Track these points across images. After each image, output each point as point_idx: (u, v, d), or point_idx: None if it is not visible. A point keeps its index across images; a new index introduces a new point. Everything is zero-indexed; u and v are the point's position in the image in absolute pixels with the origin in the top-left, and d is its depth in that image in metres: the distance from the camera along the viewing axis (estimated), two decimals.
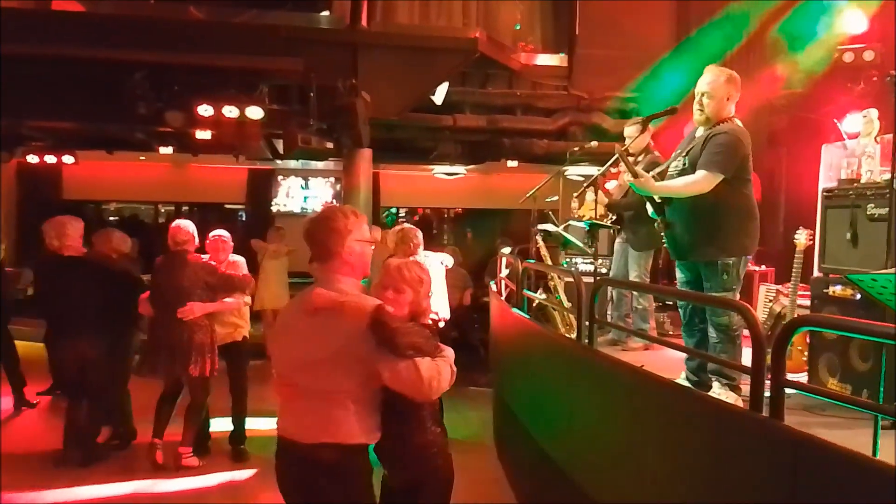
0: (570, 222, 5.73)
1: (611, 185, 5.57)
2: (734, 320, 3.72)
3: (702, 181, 3.68)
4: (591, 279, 4.97)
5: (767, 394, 2.32)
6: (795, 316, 4.24)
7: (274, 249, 9.43)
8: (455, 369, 2.72)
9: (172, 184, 13.52)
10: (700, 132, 3.92)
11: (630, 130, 5.10)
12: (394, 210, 14.77)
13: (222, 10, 7.60)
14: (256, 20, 7.57)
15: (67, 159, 11.29)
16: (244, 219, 14.26)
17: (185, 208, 14.04)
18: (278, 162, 12.33)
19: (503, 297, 6.28)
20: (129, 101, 7.44)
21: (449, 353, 2.73)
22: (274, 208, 13.77)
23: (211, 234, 5.67)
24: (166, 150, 9.84)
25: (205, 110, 7.42)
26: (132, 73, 7.33)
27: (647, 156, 5.12)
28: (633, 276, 5.27)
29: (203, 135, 8.03)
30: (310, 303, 2.63)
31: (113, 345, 5.64)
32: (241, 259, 5.70)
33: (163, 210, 14.58)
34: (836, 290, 3.92)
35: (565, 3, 9.16)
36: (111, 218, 14.29)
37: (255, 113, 7.52)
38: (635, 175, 3.81)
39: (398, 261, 2.96)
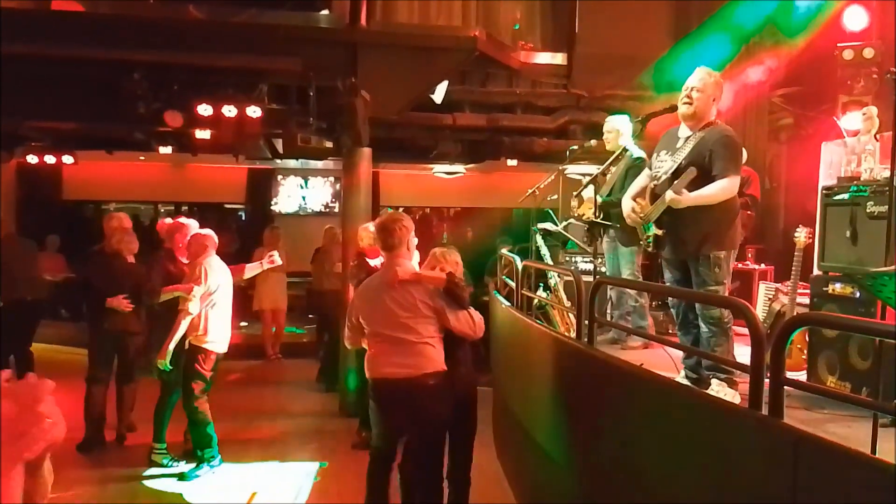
0: (570, 221, 5.72)
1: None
2: (724, 313, 3.77)
3: (730, 186, 3.76)
4: (590, 278, 4.98)
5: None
6: (795, 314, 4.24)
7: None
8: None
9: (172, 184, 13.52)
10: (684, 132, 3.94)
11: (609, 125, 5.34)
12: (389, 210, 14.75)
13: (221, 10, 7.59)
14: (255, 20, 7.56)
15: (67, 159, 11.29)
16: (244, 218, 14.26)
17: (184, 208, 14.02)
18: (278, 161, 12.32)
19: (503, 296, 6.28)
20: (128, 101, 7.45)
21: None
22: (273, 208, 13.77)
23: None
24: (166, 150, 9.84)
25: (204, 110, 7.44)
26: (131, 73, 7.34)
27: (627, 154, 5.13)
28: (626, 275, 5.26)
29: (202, 134, 8.04)
30: (393, 278, 3.85)
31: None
32: (211, 264, 5.42)
33: (162, 210, 14.57)
34: (836, 287, 3.92)
35: (565, 2, 9.15)
36: None
37: (254, 112, 7.53)
38: (676, 192, 3.77)
39: (441, 249, 4.32)
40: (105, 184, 13.24)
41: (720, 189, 3.75)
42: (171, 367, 5.29)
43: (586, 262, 6.25)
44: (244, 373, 8.93)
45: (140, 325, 6.12)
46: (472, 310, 3.95)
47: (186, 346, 5.31)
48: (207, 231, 5.58)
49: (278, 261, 5.75)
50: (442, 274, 3.90)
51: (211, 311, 5.32)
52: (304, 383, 8.49)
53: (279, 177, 13.77)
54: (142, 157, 11.96)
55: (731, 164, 3.75)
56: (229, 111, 7.46)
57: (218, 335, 5.37)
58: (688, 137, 3.91)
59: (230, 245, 9.22)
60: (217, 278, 5.37)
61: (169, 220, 5.89)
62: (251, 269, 5.77)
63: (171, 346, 5.21)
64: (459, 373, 4.09)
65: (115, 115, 7.90)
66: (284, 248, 9.72)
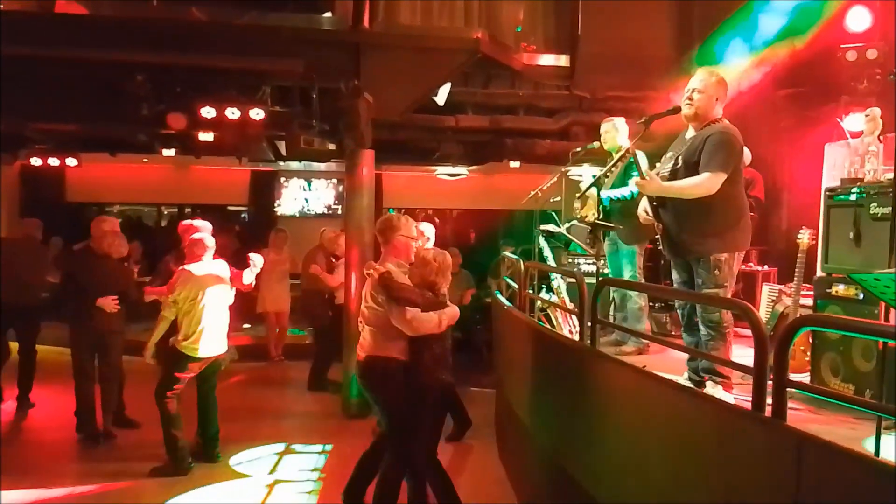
0: (573, 222, 5.72)
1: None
2: (725, 317, 3.76)
3: (707, 182, 3.71)
4: (593, 280, 4.97)
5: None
6: (798, 316, 4.23)
7: (275, 256, 9.42)
8: (448, 321, 4.27)
9: (175, 186, 13.55)
10: (690, 133, 3.94)
11: (605, 125, 5.42)
12: (391, 211, 14.76)
13: (224, 12, 7.60)
14: (258, 21, 7.57)
15: (70, 161, 11.33)
16: (247, 220, 14.28)
17: (188, 210, 14.05)
18: (280, 163, 12.34)
19: (506, 298, 6.28)
20: (131, 103, 7.47)
21: (449, 310, 4.30)
22: (276, 210, 13.79)
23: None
24: (169, 153, 9.86)
25: (207, 112, 7.45)
26: (134, 75, 7.35)
27: (626, 155, 5.13)
28: (627, 276, 5.26)
29: (205, 136, 8.05)
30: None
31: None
32: (193, 270, 5.45)
33: (166, 212, 14.60)
34: (839, 289, 3.91)
35: (567, 3, 9.15)
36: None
37: (257, 114, 7.54)
38: (642, 175, 3.88)
39: (422, 248, 4.66)
40: (108, 186, 13.28)
41: (697, 183, 3.72)
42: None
43: (589, 263, 6.25)
44: (247, 374, 8.94)
45: (122, 325, 6.29)
46: (411, 308, 4.12)
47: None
48: (200, 235, 5.58)
49: (257, 262, 5.71)
50: (384, 270, 4.22)
51: (188, 316, 5.37)
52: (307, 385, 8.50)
53: (282, 179, 13.79)
54: (145, 160, 11.99)
55: (714, 161, 3.70)
56: (232, 113, 7.47)
57: (197, 340, 5.38)
58: (691, 138, 3.92)
59: (231, 247, 9.20)
60: (198, 285, 5.39)
61: (187, 222, 5.95)
62: (247, 276, 5.80)
63: (151, 345, 5.41)
64: (420, 367, 4.23)
65: (118, 118, 7.92)
66: (289, 250, 9.75)
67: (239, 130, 7.58)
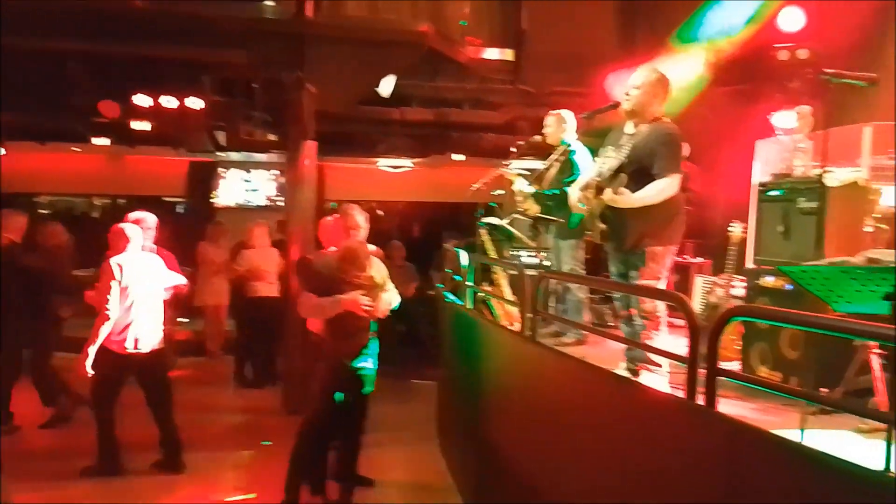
0: (515, 216, 5.77)
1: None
2: (659, 307, 3.86)
3: (670, 186, 3.81)
4: (534, 272, 5.03)
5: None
6: (729, 306, 4.37)
7: (212, 249, 9.22)
8: (335, 308, 4.38)
9: (108, 176, 13.09)
10: (630, 128, 4.01)
11: (549, 119, 5.45)
12: (333, 206, 14.62)
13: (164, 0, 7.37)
14: (198, 10, 7.37)
15: None
16: (183, 212, 13.89)
17: (121, 201, 13.60)
18: (219, 154, 12.07)
19: (448, 291, 6.30)
20: (63, 91, 7.20)
21: (341, 297, 4.37)
22: (215, 201, 13.47)
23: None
24: (101, 142, 9.53)
25: (143, 101, 7.23)
26: (68, 62, 7.08)
27: (567, 149, 5.20)
28: (566, 269, 5.32)
29: (141, 126, 7.82)
30: None
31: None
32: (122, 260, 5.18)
33: (98, 203, 14.12)
34: (769, 281, 4.05)
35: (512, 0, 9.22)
36: (44, 211, 13.77)
37: (195, 104, 7.36)
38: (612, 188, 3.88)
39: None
40: (37, 176, 12.74)
41: (661, 189, 3.81)
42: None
43: (531, 256, 6.31)
44: (186, 370, 8.73)
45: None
46: (306, 294, 4.53)
47: None
48: (121, 226, 5.26)
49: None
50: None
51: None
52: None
53: (221, 169, 13.48)
54: (76, 149, 11.56)
55: (671, 163, 3.81)
56: (169, 102, 7.28)
57: (123, 333, 5.10)
58: (632, 134, 3.98)
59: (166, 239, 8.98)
60: (127, 275, 5.10)
61: (134, 215, 5.56)
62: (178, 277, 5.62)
63: (92, 351, 4.99)
64: (321, 350, 4.63)
65: (48, 106, 7.63)
66: (227, 242, 9.55)
67: (176, 120, 7.39)
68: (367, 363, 4.59)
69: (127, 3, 7.19)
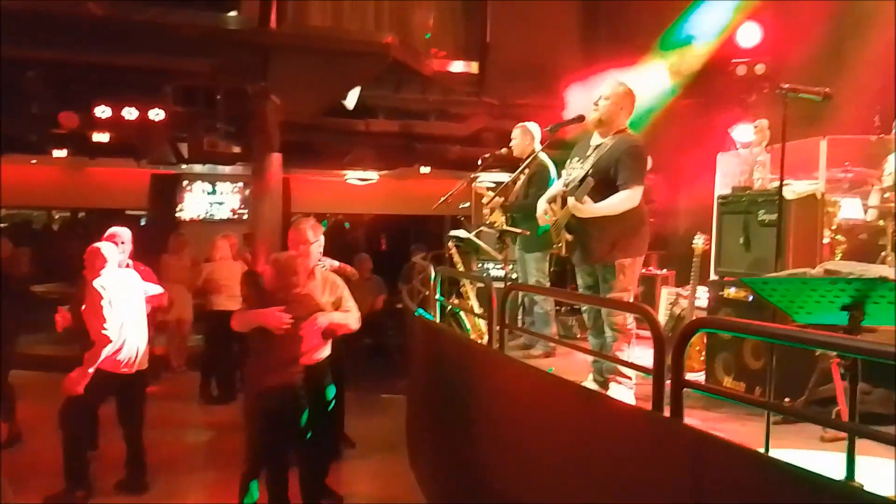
0: (482, 228, 5.78)
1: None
2: (628, 320, 3.90)
3: (632, 197, 3.85)
4: (502, 285, 5.03)
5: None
6: (694, 318, 4.43)
7: (174, 262, 9.07)
8: (245, 323, 4.20)
9: (68, 188, 12.82)
10: (596, 139, 4.06)
11: (515, 131, 5.48)
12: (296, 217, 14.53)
13: (124, 7, 7.23)
14: (159, 18, 7.26)
15: None
16: (145, 225, 13.64)
17: (81, 214, 13.33)
18: (183, 166, 11.90)
19: (416, 303, 6.27)
20: (20, 101, 7.03)
21: (250, 312, 4.23)
22: (179, 214, 13.28)
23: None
24: (60, 154, 9.33)
25: (102, 111, 7.10)
26: (25, 71, 6.92)
27: (533, 162, 5.23)
28: (532, 281, 5.35)
29: (101, 137, 7.68)
30: None
31: None
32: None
33: (57, 216, 13.81)
34: (731, 292, 4.11)
35: (477, 12, 9.28)
36: (1, 224, 13.43)
37: (157, 115, 7.25)
38: (577, 198, 3.90)
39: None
40: None
41: (622, 200, 3.85)
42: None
43: (498, 268, 6.33)
44: (149, 386, 8.52)
45: None
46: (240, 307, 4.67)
47: None
48: (96, 245, 5.03)
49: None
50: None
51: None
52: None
53: (185, 182, 13.30)
54: (34, 161, 11.30)
55: (635, 175, 3.86)
56: (129, 113, 7.16)
57: (117, 354, 4.92)
58: (597, 145, 4.02)
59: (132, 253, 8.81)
60: (113, 295, 4.90)
61: (111, 231, 5.38)
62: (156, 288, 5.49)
63: (90, 372, 4.78)
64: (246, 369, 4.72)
65: (6, 116, 7.44)
66: (190, 255, 9.39)
67: (137, 131, 7.27)
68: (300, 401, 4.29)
69: (85, 10, 7.05)
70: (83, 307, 4.93)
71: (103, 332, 4.79)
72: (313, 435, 4.47)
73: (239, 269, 8.05)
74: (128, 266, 5.32)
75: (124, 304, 5.02)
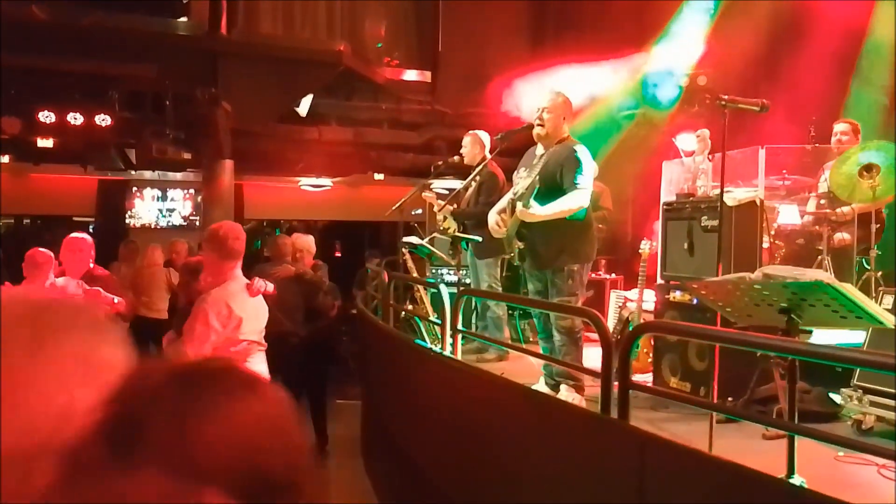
0: (435, 235, 5.83)
1: None
2: (576, 323, 3.98)
3: (578, 198, 3.92)
4: (455, 290, 5.09)
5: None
6: (641, 321, 4.55)
7: (126, 270, 8.83)
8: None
9: (10, 195, 12.39)
10: (540, 150, 4.16)
11: (466, 140, 5.55)
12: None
13: (69, 12, 7.06)
14: (107, 23, 7.11)
15: None
16: (94, 231, 13.30)
17: (26, 221, 12.92)
18: (133, 173, 11.65)
19: (370, 309, 6.28)
20: None
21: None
22: (129, 221, 12.97)
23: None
24: (3, 159, 9.06)
25: (46, 117, 6.93)
26: None
27: (484, 170, 5.32)
28: (483, 287, 5.42)
29: (45, 143, 7.49)
30: None
31: None
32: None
33: (1, 223, 13.35)
34: (677, 295, 4.24)
35: (429, 21, 9.34)
36: None
37: (103, 120, 7.11)
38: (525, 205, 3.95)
39: None
40: None
41: (568, 201, 3.94)
42: None
43: (452, 274, 6.38)
44: None
45: None
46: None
47: None
48: (31, 252, 4.75)
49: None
50: None
51: None
52: None
53: (134, 188, 13.01)
54: None
55: (580, 178, 3.94)
56: (75, 119, 7.00)
57: None
58: (542, 155, 4.13)
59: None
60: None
61: (73, 236, 5.15)
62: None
63: None
64: None
65: None
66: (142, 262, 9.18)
67: (83, 137, 7.11)
68: None
69: (29, 13, 6.87)
70: None
71: None
72: None
73: (163, 279, 7.79)
74: (88, 274, 5.10)
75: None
